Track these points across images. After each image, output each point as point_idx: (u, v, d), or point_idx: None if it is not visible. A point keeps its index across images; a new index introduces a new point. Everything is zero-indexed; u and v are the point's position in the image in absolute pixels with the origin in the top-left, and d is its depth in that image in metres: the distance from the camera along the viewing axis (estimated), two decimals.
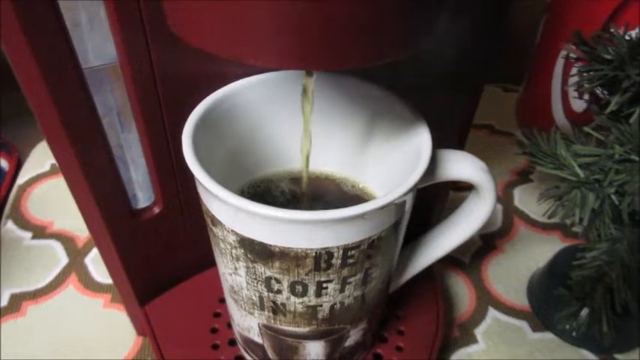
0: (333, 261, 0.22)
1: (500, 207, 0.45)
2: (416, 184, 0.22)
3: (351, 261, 0.22)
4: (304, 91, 0.23)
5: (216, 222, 0.23)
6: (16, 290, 0.38)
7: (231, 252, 0.23)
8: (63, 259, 0.40)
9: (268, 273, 0.23)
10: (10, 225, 0.42)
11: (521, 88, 0.53)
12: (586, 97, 0.32)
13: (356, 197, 0.29)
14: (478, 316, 0.37)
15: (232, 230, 0.22)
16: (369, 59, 0.17)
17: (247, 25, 0.16)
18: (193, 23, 0.17)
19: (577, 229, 0.29)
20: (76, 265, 0.40)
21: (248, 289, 0.24)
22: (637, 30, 0.39)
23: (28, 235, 0.42)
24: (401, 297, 0.33)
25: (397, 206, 0.22)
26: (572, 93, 0.44)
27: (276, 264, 0.22)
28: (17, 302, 0.37)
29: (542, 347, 0.36)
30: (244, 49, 0.17)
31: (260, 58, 0.17)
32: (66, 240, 0.41)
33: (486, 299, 0.38)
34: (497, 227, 0.43)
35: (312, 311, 0.24)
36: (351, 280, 0.23)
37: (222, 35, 0.17)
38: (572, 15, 0.44)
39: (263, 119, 0.28)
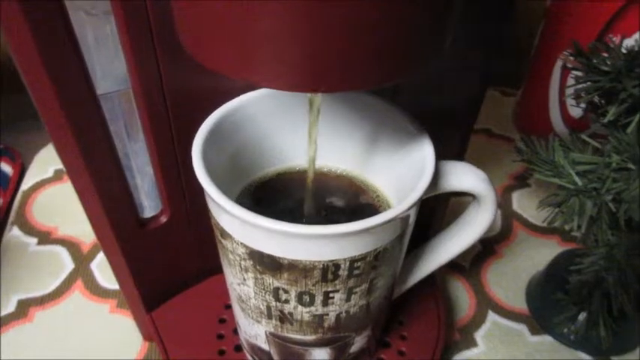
0: (340, 272, 0.23)
1: (498, 211, 0.46)
2: (420, 199, 0.23)
3: (357, 272, 0.23)
4: (311, 108, 0.23)
5: (225, 234, 0.23)
6: (23, 296, 0.38)
7: (240, 263, 0.24)
8: (68, 265, 0.41)
9: (276, 284, 0.23)
10: (15, 231, 0.43)
11: (519, 92, 0.54)
12: (583, 105, 0.33)
13: (362, 194, 0.29)
14: (478, 319, 0.38)
15: (242, 243, 0.22)
16: (382, 81, 0.18)
17: (260, 50, 0.17)
18: (208, 48, 0.18)
19: (576, 233, 0.29)
20: (81, 271, 0.40)
21: (256, 299, 0.25)
22: (635, 37, 0.40)
23: (33, 240, 0.42)
24: (403, 302, 0.34)
25: (402, 219, 0.23)
26: (570, 99, 0.45)
27: (285, 275, 0.23)
28: (24, 308, 0.38)
29: (541, 350, 0.36)
30: (256, 73, 0.17)
31: (272, 82, 0.17)
32: (71, 245, 0.42)
33: (486, 303, 0.39)
34: (496, 232, 0.44)
35: (318, 320, 0.25)
36: (357, 290, 0.24)
37: (235, 59, 0.17)
38: (570, 21, 0.44)
39: (270, 127, 0.28)
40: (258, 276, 0.23)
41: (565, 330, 0.36)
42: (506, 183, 0.48)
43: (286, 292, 0.23)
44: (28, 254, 0.41)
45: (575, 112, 0.46)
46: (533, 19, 0.51)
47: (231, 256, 0.24)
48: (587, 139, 0.30)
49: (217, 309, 0.34)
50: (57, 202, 0.45)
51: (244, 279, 0.24)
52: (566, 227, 0.29)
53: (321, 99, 0.24)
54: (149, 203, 0.35)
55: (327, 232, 0.20)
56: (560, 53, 0.45)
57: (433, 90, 0.29)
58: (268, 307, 0.25)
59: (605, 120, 0.29)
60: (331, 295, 0.24)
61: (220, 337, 0.33)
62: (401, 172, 0.27)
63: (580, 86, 0.30)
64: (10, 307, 0.38)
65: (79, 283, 0.39)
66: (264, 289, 0.24)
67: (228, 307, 0.34)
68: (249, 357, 0.31)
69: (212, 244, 0.27)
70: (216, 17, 0.17)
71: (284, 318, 0.25)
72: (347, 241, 0.21)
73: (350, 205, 0.28)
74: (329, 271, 0.22)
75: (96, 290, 0.39)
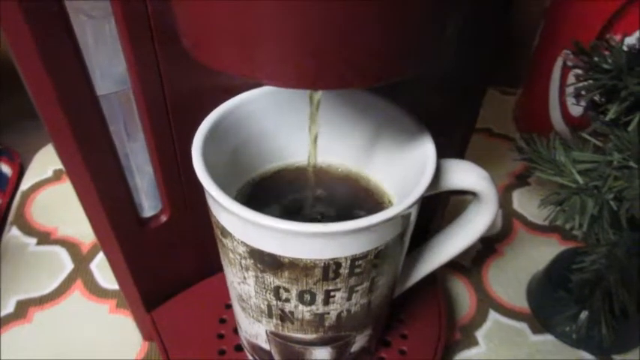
0: (341, 271, 0.22)
1: (499, 210, 0.46)
2: (421, 196, 0.22)
3: (358, 270, 0.23)
4: (311, 102, 0.23)
5: (225, 233, 0.23)
6: (22, 297, 0.38)
7: (240, 262, 0.24)
8: (68, 265, 0.41)
9: (277, 282, 0.23)
10: (14, 231, 0.43)
11: (519, 91, 0.54)
12: (583, 103, 0.33)
13: (362, 191, 0.29)
14: (479, 318, 0.38)
15: (242, 241, 0.22)
16: (380, 79, 0.18)
17: (260, 48, 0.17)
18: (210, 48, 0.18)
19: (576, 232, 0.29)
20: (81, 271, 0.40)
21: (256, 298, 0.25)
22: (636, 35, 0.40)
23: (32, 241, 0.42)
24: (403, 301, 0.34)
25: (403, 217, 0.23)
26: (570, 98, 0.45)
27: (286, 274, 0.23)
28: (23, 309, 0.38)
29: (542, 349, 0.36)
30: (257, 71, 0.17)
31: (273, 79, 0.17)
32: (70, 246, 0.42)
33: (487, 302, 0.39)
34: (497, 230, 0.44)
35: (319, 319, 0.25)
36: (358, 288, 0.24)
37: (236, 58, 0.17)
38: (570, 20, 0.44)
39: (269, 125, 0.28)
40: (259, 275, 0.23)
41: (567, 329, 0.36)
42: (507, 182, 0.48)
43: (287, 290, 0.23)
44: (28, 254, 0.41)
45: (575, 110, 0.46)
46: (533, 19, 0.51)
47: (231, 255, 0.24)
48: (588, 137, 0.30)
49: (217, 309, 0.34)
50: (56, 202, 0.45)
51: (245, 278, 0.24)
52: (567, 226, 0.29)
53: (322, 95, 0.24)
54: (148, 203, 0.35)
55: (329, 230, 0.20)
56: (560, 52, 0.45)
57: (433, 89, 0.29)
58: (269, 306, 0.25)
59: (607, 118, 0.29)
60: (332, 293, 0.24)
61: (221, 336, 0.32)
62: (402, 170, 0.26)
63: (581, 85, 0.30)
64: (9, 308, 0.37)
65: (79, 283, 0.39)
66: (264, 287, 0.24)
67: (229, 306, 0.34)
68: (249, 356, 0.31)
69: (212, 243, 0.27)
70: (218, 17, 0.17)
71: (285, 317, 0.25)
72: (348, 239, 0.21)
73: (350, 202, 0.28)
74: (330, 270, 0.22)
75: (95, 290, 0.39)
